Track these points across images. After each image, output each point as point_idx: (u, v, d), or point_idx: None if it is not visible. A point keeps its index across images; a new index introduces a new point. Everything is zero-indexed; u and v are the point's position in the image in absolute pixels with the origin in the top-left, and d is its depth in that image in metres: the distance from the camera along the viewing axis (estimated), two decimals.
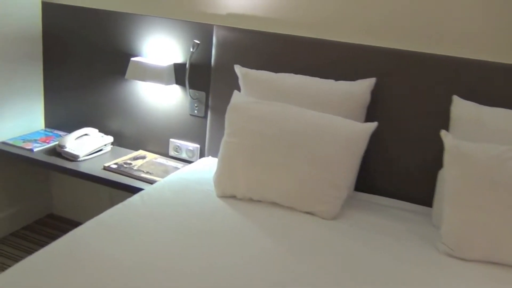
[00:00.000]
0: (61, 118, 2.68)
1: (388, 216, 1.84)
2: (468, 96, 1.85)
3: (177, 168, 2.30)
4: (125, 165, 2.30)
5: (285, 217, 1.76)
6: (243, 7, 2.22)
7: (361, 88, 1.95)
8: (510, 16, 1.85)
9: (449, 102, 1.87)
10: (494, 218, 1.56)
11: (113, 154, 2.45)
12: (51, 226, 2.77)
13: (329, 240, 1.62)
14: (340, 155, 1.79)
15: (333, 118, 1.84)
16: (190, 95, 2.34)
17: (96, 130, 2.50)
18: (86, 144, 2.38)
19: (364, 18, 2.04)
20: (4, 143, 2.45)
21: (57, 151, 2.36)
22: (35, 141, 2.50)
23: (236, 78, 2.12)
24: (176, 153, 2.46)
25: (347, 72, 2.01)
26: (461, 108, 1.82)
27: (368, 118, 1.96)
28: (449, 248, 1.59)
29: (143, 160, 2.38)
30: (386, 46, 1.98)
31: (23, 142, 2.47)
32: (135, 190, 2.07)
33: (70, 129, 2.54)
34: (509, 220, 1.54)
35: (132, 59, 2.36)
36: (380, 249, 1.59)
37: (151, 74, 2.31)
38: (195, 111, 2.37)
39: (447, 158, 1.66)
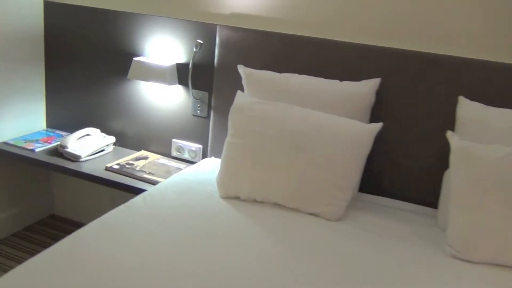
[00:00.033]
0: (63, 118, 2.67)
1: (393, 217, 1.83)
2: (473, 96, 1.84)
3: (179, 169, 2.29)
4: (127, 166, 2.28)
5: (289, 218, 1.74)
6: (247, 7, 2.21)
7: (366, 89, 1.93)
8: None
9: (454, 102, 1.85)
10: (500, 219, 1.54)
11: (115, 155, 2.44)
12: (53, 226, 2.76)
13: (333, 242, 1.61)
14: (345, 156, 1.77)
15: (338, 119, 1.83)
16: (193, 95, 2.33)
17: (98, 130, 2.49)
18: (88, 145, 2.37)
19: (368, 18, 2.02)
20: (5, 143, 2.44)
21: (59, 152, 2.35)
22: (37, 141, 2.49)
23: (239, 78, 2.10)
24: (178, 153, 2.44)
25: (352, 72, 2.00)
26: (467, 109, 1.81)
27: (373, 119, 1.95)
28: (455, 250, 1.57)
29: (146, 161, 2.36)
30: (390, 46, 1.96)
31: (25, 142, 2.46)
32: (137, 191, 2.06)
33: (72, 129, 2.53)
34: None
35: (135, 58, 2.34)
36: (385, 251, 1.58)
37: (153, 74, 2.29)
38: (198, 111, 2.36)
39: (453, 159, 1.65)
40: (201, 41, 2.24)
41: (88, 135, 2.43)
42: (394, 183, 2.01)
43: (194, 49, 2.25)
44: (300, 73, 2.04)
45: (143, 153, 2.47)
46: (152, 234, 1.53)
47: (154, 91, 2.43)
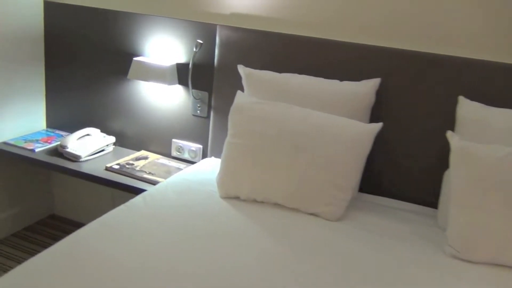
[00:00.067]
0: (63, 118, 2.67)
1: (393, 217, 1.83)
2: (473, 96, 1.84)
3: (179, 169, 2.29)
4: (127, 166, 2.28)
5: (289, 218, 1.74)
6: (247, 7, 2.21)
7: (366, 89, 1.93)
8: None
9: (454, 102, 1.85)
10: (500, 219, 1.54)
11: (115, 155, 2.44)
12: (53, 226, 2.76)
13: (333, 242, 1.61)
14: (345, 156, 1.77)
15: (338, 119, 1.83)
16: (193, 95, 2.33)
17: (98, 130, 2.49)
18: (88, 145, 2.37)
19: (369, 18, 2.02)
20: (5, 143, 2.44)
21: (59, 152, 2.35)
22: (37, 141, 2.49)
23: (239, 78, 2.10)
24: (178, 153, 2.44)
25: (352, 72, 2.00)
26: (467, 109, 1.81)
27: (373, 119, 1.95)
28: (455, 250, 1.57)
29: (146, 161, 2.36)
30: (391, 46, 1.96)
31: (25, 142, 2.46)
32: (137, 191, 2.06)
33: (72, 129, 2.52)
34: None
35: (135, 59, 2.34)
36: (385, 251, 1.58)
37: (153, 74, 2.29)
38: (198, 111, 2.36)
39: (453, 159, 1.65)
40: (201, 41, 2.24)
41: (88, 135, 2.43)
42: (394, 183, 2.01)
43: (194, 49, 2.25)
44: (300, 73, 2.04)
45: (143, 153, 2.47)
46: (152, 234, 1.53)
47: (154, 91, 2.43)
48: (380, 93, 1.94)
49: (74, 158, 2.30)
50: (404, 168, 1.99)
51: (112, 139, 2.49)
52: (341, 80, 1.99)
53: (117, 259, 1.38)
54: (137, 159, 2.38)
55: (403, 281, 1.43)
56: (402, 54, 1.93)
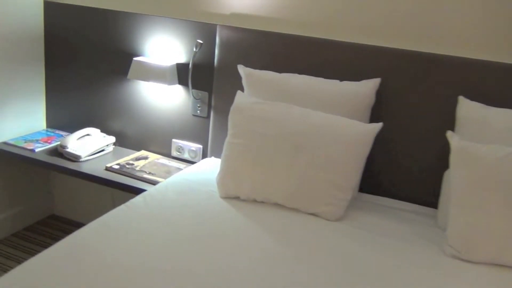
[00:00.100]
0: (63, 118, 2.67)
1: (393, 217, 1.83)
2: (473, 96, 1.84)
3: (179, 169, 2.28)
4: (127, 166, 2.28)
5: (289, 218, 1.74)
6: (247, 7, 2.21)
7: (366, 89, 1.93)
8: None
9: (454, 102, 1.85)
10: (501, 220, 1.54)
11: (115, 155, 2.43)
12: (53, 227, 2.76)
13: (333, 242, 1.61)
14: (345, 156, 1.77)
15: (338, 119, 1.83)
16: (193, 95, 2.32)
17: (98, 130, 2.49)
18: (88, 145, 2.37)
19: (369, 18, 2.02)
20: (5, 143, 2.43)
21: (59, 152, 2.35)
22: (37, 141, 2.49)
23: (239, 78, 2.10)
24: (178, 153, 2.44)
25: (352, 72, 2.00)
26: (467, 109, 1.81)
27: (373, 119, 1.95)
28: (455, 250, 1.57)
29: (146, 161, 2.36)
30: (391, 46, 1.96)
31: (25, 142, 2.46)
32: (137, 191, 2.06)
33: (72, 129, 2.52)
34: None
35: (135, 59, 2.34)
36: (385, 251, 1.58)
37: (153, 74, 2.29)
38: (198, 111, 2.36)
39: (453, 159, 1.65)
40: (201, 41, 2.24)
41: (88, 135, 2.43)
42: (394, 183, 2.01)
43: (194, 49, 2.25)
44: (300, 73, 2.04)
45: (143, 153, 2.47)
46: (152, 234, 1.53)
47: (154, 91, 2.43)
48: (380, 93, 1.94)
49: (74, 158, 2.30)
50: (404, 168, 1.99)
51: (112, 139, 2.49)
52: (341, 80, 1.99)
53: (117, 259, 1.37)
54: (137, 159, 2.38)
55: (403, 281, 1.43)
56: (402, 54, 1.93)
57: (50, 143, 2.48)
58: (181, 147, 2.43)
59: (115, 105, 2.53)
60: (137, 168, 2.26)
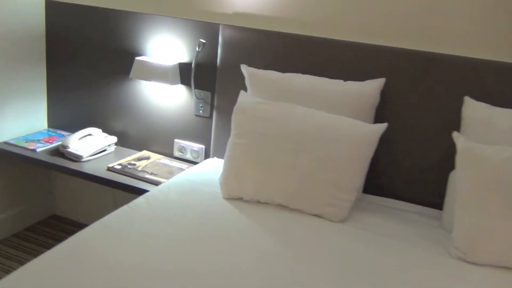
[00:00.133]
0: (65, 118, 2.66)
1: (397, 219, 1.81)
2: (479, 96, 1.82)
3: (181, 169, 2.27)
4: (129, 166, 2.27)
5: (292, 219, 1.73)
6: (250, 6, 2.19)
7: (371, 89, 1.92)
8: None
9: (459, 102, 1.84)
10: (507, 221, 1.52)
11: (117, 155, 2.42)
12: (54, 227, 2.75)
13: (336, 243, 1.60)
14: (349, 157, 1.76)
15: (342, 119, 1.81)
16: (195, 95, 2.31)
17: (100, 130, 2.48)
18: (90, 145, 2.36)
19: (372, 18, 2.01)
20: (6, 143, 2.42)
21: (60, 152, 2.34)
22: (38, 141, 2.47)
23: (242, 78, 2.09)
24: (180, 153, 2.43)
25: (356, 72, 1.98)
26: (473, 109, 1.79)
27: (377, 119, 1.93)
28: (461, 252, 1.56)
29: (148, 161, 2.35)
30: (394, 45, 1.95)
31: (26, 142, 2.44)
32: (139, 192, 2.05)
33: (73, 129, 2.51)
34: None
35: (137, 58, 2.33)
36: (389, 252, 1.56)
37: (156, 73, 2.28)
38: (200, 111, 2.34)
39: (459, 160, 1.63)
40: (203, 41, 2.22)
41: (89, 135, 2.41)
42: (398, 184, 1.99)
43: (197, 49, 2.24)
44: (303, 73, 2.03)
45: (145, 153, 2.46)
46: (155, 235, 1.52)
47: (156, 91, 2.42)
48: (384, 93, 1.93)
49: (76, 158, 2.29)
50: (408, 169, 1.97)
51: (114, 139, 2.48)
52: (345, 80, 1.98)
53: (120, 260, 1.36)
54: (139, 159, 2.37)
55: (408, 284, 1.42)
56: (406, 53, 1.92)
57: (51, 143, 2.47)
58: (183, 147, 2.42)
59: (117, 104, 2.51)
60: (139, 169, 2.25)
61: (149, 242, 1.48)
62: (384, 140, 1.80)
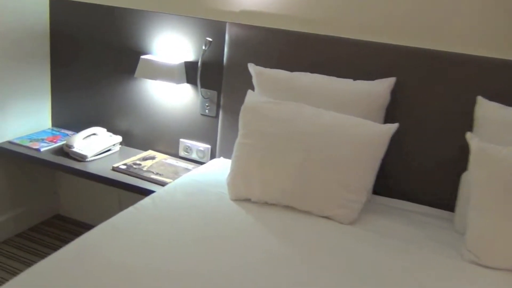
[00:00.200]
0: (69, 117, 2.63)
1: (408, 220, 1.78)
2: (491, 96, 1.79)
3: (187, 169, 2.24)
4: (134, 166, 2.24)
5: (300, 221, 1.70)
6: (257, 4, 2.16)
7: (381, 88, 1.88)
8: None
9: (471, 102, 1.80)
10: None
11: (121, 154, 2.39)
12: (58, 227, 2.72)
13: (345, 246, 1.57)
14: (358, 158, 1.73)
15: (351, 119, 1.78)
16: (201, 94, 2.28)
17: (105, 130, 2.45)
18: (94, 144, 2.33)
19: (382, 15, 1.97)
20: (10, 142, 2.40)
21: (65, 151, 2.31)
22: (42, 140, 2.45)
23: (249, 77, 2.06)
24: (186, 153, 2.40)
25: (365, 71, 1.95)
26: (486, 109, 1.76)
27: (387, 119, 1.90)
28: (474, 256, 1.52)
29: (153, 161, 2.32)
30: (406, 44, 1.91)
31: (30, 141, 2.42)
32: (144, 192, 2.03)
33: (77, 128, 2.49)
34: None
35: (142, 57, 2.30)
36: (399, 255, 1.53)
37: (161, 72, 2.25)
38: (206, 111, 2.31)
39: (473, 161, 1.60)
40: (210, 39, 2.19)
41: (94, 134, 2.39)
42: (409, 185, 1.96)
43: (203, 47, 2.21)
44: (312, 71, 1.99)
45: (150, 153, 2.43)
46: (162, 237, 1.50)
47: (161, 90, 2.39)
48: (395, 93, 1.90)
49: (80, 158, 2.26)
50: (419, 170, 1.94)
51: (119, 138, 2.45)
52: (354, 79, 1.95)
53: (127, 262, 1.34)
54: (144, 159, 2.34)
55: (420, 287, 1.38)
56: (418, 52, 1.89)
57: (55, 142, 2.44)
58: (189, 147, 2.39)
59: (122, 104, 2.49)
60: (144, 169, 2.22)
61: (156, 243, 1.46)
62: (394, 140, 1.77)
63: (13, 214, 2.58)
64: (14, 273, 2.28)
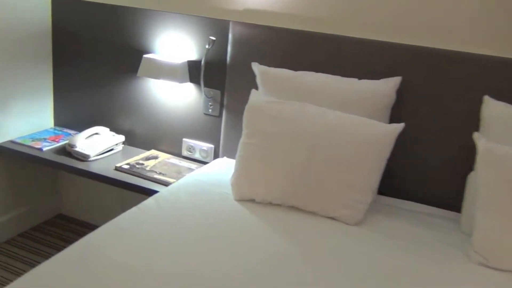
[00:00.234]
0: (71, 116, 2.62)
1: (413, 221, 1.76)
2: (498, 96, 1.77)
3: (190, 169, 2.23)
4: (137, 166, 2.23)
5: (305, 222, 1.69)
6: (261, 3, 2.14)
7: (386, 87, 1.87)
8: None
9: (477, 101, 1.79)
10: None
11: (124, 154, 2.38)
12: (60, 226, 2.71)
13: (351, 247, 1.55)
14: (364, 158, 1.71)
15: (356, 119, 1.77)
16: (204, 93, 2.27)
17: (107, 129, 2.44)
18: (97, 144, 2.32)
19: (387, 14, 1.96)
20: (12, 141, 2.39)
21: (67, 151, 2.30)
22: (44, 140, 2.44)
23: (253, 76, 2.04)
24: (189, 153, 2.39)
25: (370, 70, 1.93)
26: (493, 109, 1.74)
27: (392, 119, 1.88)
28: (482, 257, 1.51)
29: (156, 160, 2.31)
30: (411, 43, 1.90)
31: (32, 141, 2.41)
32: (147, 192, 2.02)
33: (80, 127, 2.48)
34: None
35: (145, 56, 2.29)
36: (406, 257, 1.52)
37: (164, 71, 2.24)
38: (210, 110, 2.30)
39: (480, 161, 1.58)
40: (213, 38, 2.18)
41: (96, 134, 2.37)
42: (414, 185, 1.94)
43: (207, 46, 2.19)
44: (316, 71, 1.98)
45: (153, 152, 2.41)
46: (166, 237, 1.49)
47: (164, 89, 2.37)
48: (400, 92, 1.88)
49: (83, 158, 2.25)
50: (425, 170, 1.92)
51: (121, 138, 2.44)
52: (359, 78, 1.93)
53: (131, 263, 1.34)
54: (147, 158, 2.33)
55: None
56: (424, 51, 1.87)
57: (58, 141, 2.43)
58: (192, 146, 2.37)
59: (125, 103, 2.47)
60: (147, 168, 2.21)
61: (160, 244, 1.45)
62: (400, 140, 1.76)
63: (16, 214, 2.56)
64: (16, 272, 2.27)
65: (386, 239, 1.61)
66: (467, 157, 1.75)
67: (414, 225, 1.73)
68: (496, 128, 1.70)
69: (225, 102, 2.22)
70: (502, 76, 1.79)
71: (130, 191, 2.14)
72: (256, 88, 2.02)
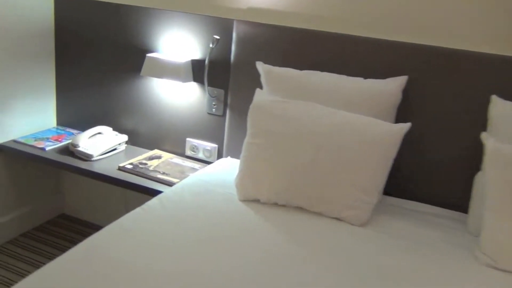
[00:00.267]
0: (74, 116, 2.61)
1: (420, 222, 1.75)
2: (506, 95, 1.75)
3: (194, 169, 2.22)
4: (140, 166, 2.21)
5: (311, 222, 1.67)
6: (265, 1, 2.13)
7: (392, 87, 1.85)
8: None
9: (484, 101, 1.77)
10: None
11: (127, 154, 2.37)
12: (63, 226, 2.70)
13: (357, 248, 1.54)
14: (370, 158, 1.69)
15: (362, 118, 1.75)
16: (208, 92, 2.25)
17: (110, 129, 2.42)
18: (100, 143, 2.31)
19: (393, 12, 1.94)
20: (15, 141, 2.38)
21: (70, 150, 2.29)
22: (47, 139, 2.43)
23: (257, 75, 2.03)
24: (193, 153, 2.37)
25: (376, 69, 1.92)
26: (501, 109, 1.72)
27: (398, 118, 1.87)
28: (490, 259, 1.49)
29: (159, 160, 2.29)
30: (417, 42, 1.88)
31: (35, 140, 2.40)
32: (151, 192, 2.01)
33: (83, 127, 2.47)
34: None
35: (148, 55, 2.27)
36: (412, 258, 1.50)
37: (167, 70, 2.22)
38: (213, 110, 2.28)
39: (488, 162, 1.56)
40: (217, 37, 2.16)
41: (99, 133, 2.36)
42: (420, 185, 1.92)
43: (210, 45, 2.18)
44: (322, 70, 1.96)
45: (156, 152, 2.40)
46: (170, 238, 1.48)
47: (168, 89, 2.36)
48: (406, 91, 1.86)
49: (86, 157, 2.24)
50: (431, 170, 1.90)
51: (125, 137, 2.43)
52: (365, 77, 1.91)
53: (135, 263, 1.33)
54: (150, 158, 2.31)
55: None
56: (430, 50, 1.85)
57: (60, 141, 2.42)
58: (195, 146, 2.36)
59: (128, 102, 2.46)
60: (151, 168, 2.20)
61: (164, 244, 1.44)
62: (406, 140, 1.74)
63: (18, 214, 2.55)
64: (18, 273, 2.26)
65: (391, 240, 1.60)
66: (473, 157, 1.74)
67: (420, 226, 1.71)
68: (504, 128, 1.69)
69: (229, 102, 2.21)
70: (510, 76, 1.77)
71: (133, 191, 2.13)
72: (261, 87, 2.01)
